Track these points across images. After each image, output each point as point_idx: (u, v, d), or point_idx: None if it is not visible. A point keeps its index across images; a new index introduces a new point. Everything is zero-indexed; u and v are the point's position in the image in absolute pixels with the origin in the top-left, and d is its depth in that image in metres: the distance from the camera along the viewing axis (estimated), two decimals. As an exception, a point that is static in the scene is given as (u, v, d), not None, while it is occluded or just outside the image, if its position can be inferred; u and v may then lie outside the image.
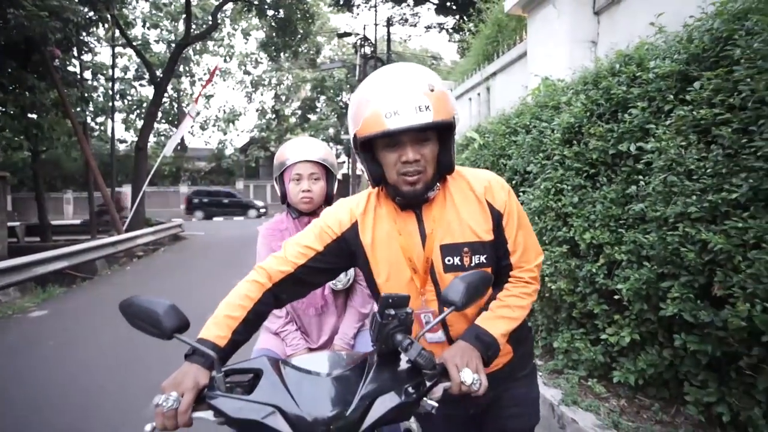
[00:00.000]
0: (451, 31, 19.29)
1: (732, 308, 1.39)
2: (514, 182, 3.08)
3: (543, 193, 2.53)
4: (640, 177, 1.91)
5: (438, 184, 0.99)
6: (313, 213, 1.50)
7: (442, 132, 0.95)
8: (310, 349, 1.51)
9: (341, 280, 1.49)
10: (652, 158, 1.82)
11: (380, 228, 1.03)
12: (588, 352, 2.21)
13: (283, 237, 1.49)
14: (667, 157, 1.71)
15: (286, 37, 16.70)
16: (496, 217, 0.99)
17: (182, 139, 27.47)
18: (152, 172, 13.29)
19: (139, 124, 19.84)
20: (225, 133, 27.39)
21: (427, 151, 0.94)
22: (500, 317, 0.98)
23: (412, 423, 1.15)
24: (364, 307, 1.53)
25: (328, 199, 1.52)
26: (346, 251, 1.03)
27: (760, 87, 1.43)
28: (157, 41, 21.76)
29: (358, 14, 26.30)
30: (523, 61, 4.28)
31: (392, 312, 0.76)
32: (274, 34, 17.07)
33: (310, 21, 16.89)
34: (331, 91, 27.82)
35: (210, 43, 25.13)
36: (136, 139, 15.80)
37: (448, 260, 0.98)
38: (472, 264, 0.97)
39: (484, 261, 0.98)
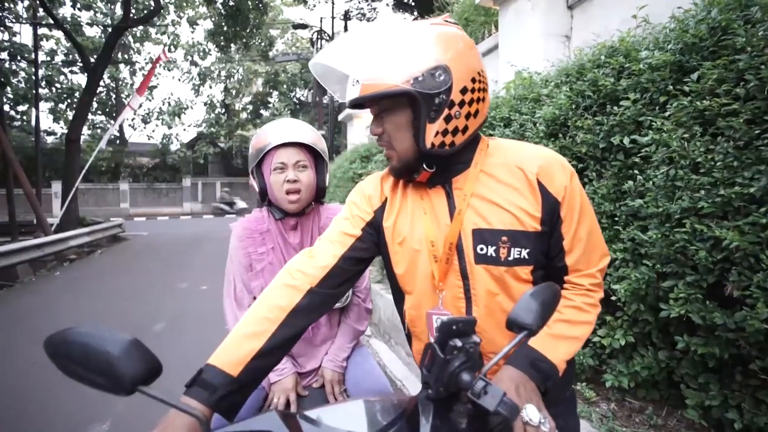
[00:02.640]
0: (408, 29, 19.20)
1: (750, 310, 1.31)
2: (491, 178, 2.96)
3: (526, 188, 2.42)
4: (636, 171, 1.82)
5: (414, 166, 0.80)
6: (302, 213, 1.22)
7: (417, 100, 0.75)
8: (299, 374, 1.23)
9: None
10: (649, 151, 1.73)
11: (406, 207, 0.86)
12: (577, 356, 2.12)
13: (264, 241, 1.22)
14: (669, 150, 1.62)
15: (237, 27, 15.85)
16: (551, 205, 0.78)
17: (122, 133, 25.49)
18: (86, 167, 12.10)
19: (71, 114, 18.01)
20: (170, 127, 25.60)
21: (389, 125, 0.79)
22: (560, 337, 0.76)
23: None
24: (360, 323, 1.27)
25: (320, 193, 1.24)
26: (378, 234, 0.88)
27: (771, 76, 1.35)
28: (90, 24, 19.81)
29: (314, 6, 25.55)
30: (493, 54, 4.21)
31: (458, 343, 0.56)
32: (223, 23, 16.14)
33: (262, 11, 16.15)
34: (285, 86, 26.95)
35: (152, 30, 23.39)
36: (66, 130, 14.27)
37: (481, 249, 0.78)
38: (510, 258, 0.77)
39: (525, 257, 0.78)
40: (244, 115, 27.97)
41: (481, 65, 0.82)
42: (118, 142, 25.08)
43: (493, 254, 0.78)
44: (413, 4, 16.27)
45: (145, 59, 25.03)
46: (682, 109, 1.62)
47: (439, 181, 0.83)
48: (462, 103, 0.76)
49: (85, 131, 20.35)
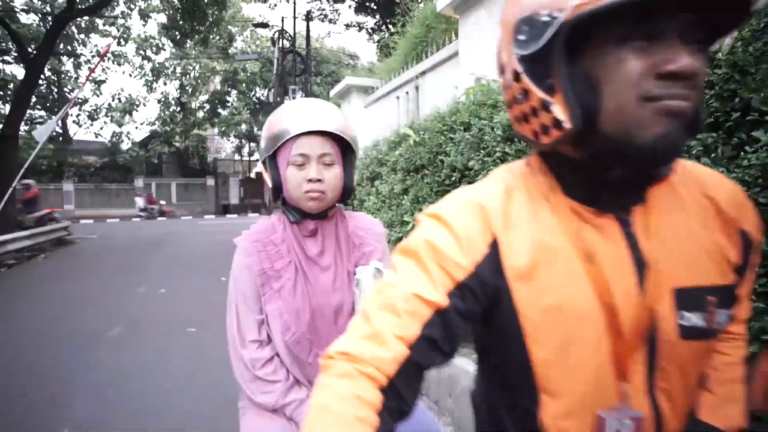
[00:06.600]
0: (370, 31, 19.46)
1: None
2: (453, 179, 3.12)
3: (485, 189, 2.60)
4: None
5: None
6: (323, 215, 1.01)
7: None
8: None
9: None
10: (592, 156, 1.94)
11: (549, 249, 0.52)
12: None
13: (280, 254, 0.99)
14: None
15: (194, 23, 15.36)
16: (746, 249, 0.56)
17: (65, 130, 23.88)
18: (26, 166, 11.26)
19: (5, 109, 16.60)
20: (120, 125, 24.24)
21: None
22: (738, 401, 0.61)
23: None
24: None
25: (346, 194, 1.02)
26: (482, 298, 0.52)
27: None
28: (26, 10, 18.36)
29: (275, 5, 25.12)
30: (453, 61, 4.41)
31: None
32: (179, 18, 15.58)
33: (221, 6, 15.74)
34: (244, 85, 26.31)
35: (99, 21, 22.08)
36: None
37: (686, 318, 0.51)
38: (717, 328, 0.53)
39: (726, 321, 0.55)
40: (201, 114, 26.99)
41: None
42: (61, 139, 23.45)
43: (702, 324, 0.52)
44: (375, 7, 16.47)
45: (91, 52, 23.59)
46: (620, 119, 1.83)
47: (611, 206, 0.52)
48: None
49: (22, 127, 18.86)
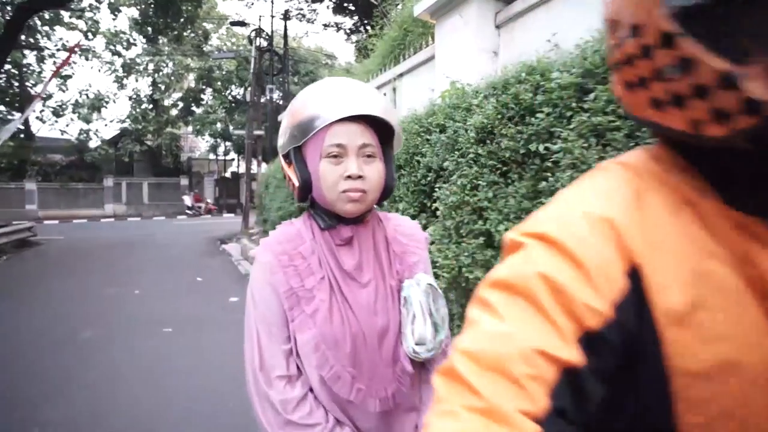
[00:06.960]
0: (348, 32, 19.45)
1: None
2: (428, 179, 3.23)
3: (459, 188, 2.70)
4: (548, 174, 2.15)
5: None
6: (360, 219, 0.82)
7: None
8: None
9: (428, 342, 0.79)
10: (558, 157, 2.07)
11: (702, 273, 0.37)
12: (503, 335, 2.42)
13: (311, 268, 0.80)
14: (573, 156, 1.95)
15: (168, 18, 14.98)
16: None
17: (27, 127, 22.85)
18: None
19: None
20: (88, 122, 23.37)
21: None
22: None
23: None
24: None
25: (387, 191, 0.83)
26: (620, 351, 0.37)
27: (643, 99, 1.71)
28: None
29: (252, 3, 24.80)
30: (430, 64, 4.53)
31: None
32: (151, 12, 15.18)
33: (196, 2, 15.42)
34: (219, 83, 25.87)
35: (65, 14, 21.23)
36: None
37: None
38: None
39: None
40: (174, 112, 26.33)
41: None
42: (23, 136, 22.41)
43: None
44: (353, 8, 16.50)
45: (55, 45, 22.63)
46: (582, 123, 1.97)
47: None
48: None
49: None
